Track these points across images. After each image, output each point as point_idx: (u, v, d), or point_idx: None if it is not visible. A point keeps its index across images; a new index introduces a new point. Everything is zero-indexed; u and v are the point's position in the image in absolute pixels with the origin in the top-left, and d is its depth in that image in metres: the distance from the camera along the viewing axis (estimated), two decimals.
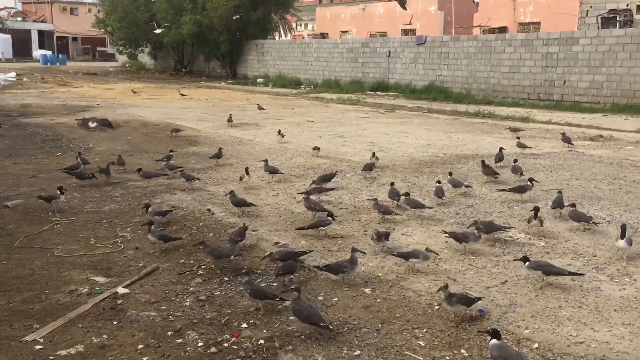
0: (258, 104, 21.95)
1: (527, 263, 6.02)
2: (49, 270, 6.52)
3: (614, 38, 22.34)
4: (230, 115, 17.65)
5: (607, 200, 9.22)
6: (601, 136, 16.01)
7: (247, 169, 10.30)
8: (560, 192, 8.71)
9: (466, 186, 9.78)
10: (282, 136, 14.74)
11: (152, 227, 7.21)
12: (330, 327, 4.99)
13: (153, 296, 5.83)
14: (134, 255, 6.97)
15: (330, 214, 7.64)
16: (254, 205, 8.66)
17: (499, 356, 4.31)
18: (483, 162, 11.07)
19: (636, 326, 5.11)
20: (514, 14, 36.47)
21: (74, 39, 76.74)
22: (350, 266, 6.06)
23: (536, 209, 7.62)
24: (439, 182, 9.39)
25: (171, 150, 12.25)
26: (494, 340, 4.43)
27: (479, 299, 5.39)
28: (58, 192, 8.68)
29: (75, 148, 13.80)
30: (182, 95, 27.99)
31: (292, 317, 5.24)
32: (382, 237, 6.98)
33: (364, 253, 6.56)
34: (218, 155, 12.27)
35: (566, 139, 14.19)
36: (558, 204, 8.40)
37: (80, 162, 11.11)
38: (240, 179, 10.26)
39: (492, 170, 10.72)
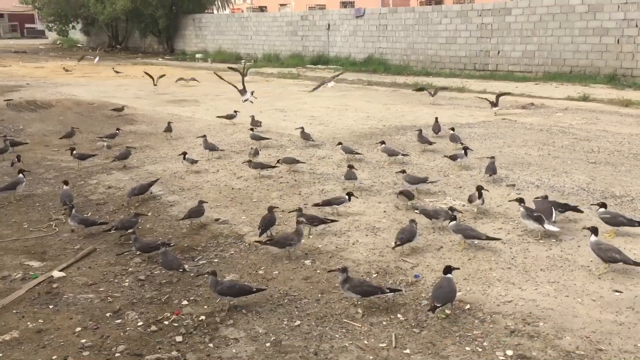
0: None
1: (450, 223, 6.26)
2: None
3: (544, 8, 22.97)
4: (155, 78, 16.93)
5: (536, 166, 9.60)
6: (532, 104, 16.58)
7: (184, 154, 9.72)
8: (492, 158, 9.01)
9: (403, 154, 10.00)
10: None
11: (73, 211, 6.95)
12: (187, 270, 5.69)
13: (90, 278, 5.75)
14: (70, 238, 6.83)
15: (349, 193, 7.50)
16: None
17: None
18: (420, 131, 11.31)
19: (560, 284, 5.41)
20: None
21: (0, 15, 72.93)
22: (297, 238, 6.14)
23: (479, 188, 7.38)
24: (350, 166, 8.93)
25: (117, 129, 12.03)
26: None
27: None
28: (21, 175, 8.28)
29: (3, 130, 13.25)
30: (117, 72, 27.19)
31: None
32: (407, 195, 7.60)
33: (308, 223, 6.64)
34: (168, 129, 12.40)
35: (494, 104, 14.88)
36: (492, 170, 8.71)
37: (7, 145, 10.69)
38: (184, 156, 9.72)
39: (426, 139, 11.00)
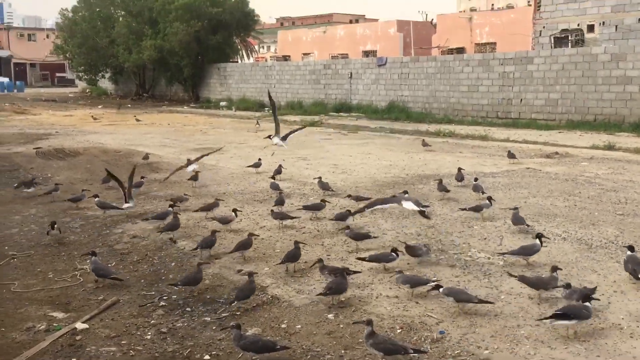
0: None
1: (440, 290, 6.09)
2: (5, 307, 6.37)
3: (566, 57, 23.10)
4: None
5: (562, 217, 9.46)
6: (557, 153, 16.47)
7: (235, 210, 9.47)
8: (516, 209, 8.92)
9: (423, 206, 9.90)
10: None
11: (94, 258, 7.06)
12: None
13: (113, 330, 5.74)
14: (94, 289, 6.86)
15: (394, 250, 7.24)
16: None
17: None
18: (440, 181, 11.40)
19: (591, 343, 5.25)
20: (471, 35, 37.41)
21: (32, 65, 75.56)
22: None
23: (539, 236, 7.36)
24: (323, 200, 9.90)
25: (142, 177, 12.20)
26: (369, 328, 4.98)
27: (404, 348, 4.95)
28: (50, 227, 8.42)
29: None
30: (138, 120, 27.79)
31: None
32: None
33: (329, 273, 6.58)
34: (194, 177, 12.55)
35: (511, 155, 15.03)
36: (517, 220, 8.65)
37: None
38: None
39: (444, 187, 11.13)
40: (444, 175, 13.39)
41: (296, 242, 7.39)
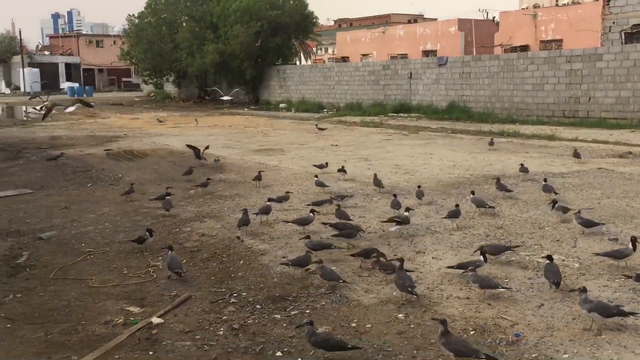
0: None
1: (469, 274, 6.15)
2: (84, 301, 6.61)
3: (638, 53, 22.13)
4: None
5: None
6: (630, 153, 15.79)
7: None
8: (545, 180, 10.06)
9: (489, 207, 9.71)
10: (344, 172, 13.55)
11: (171, 252, 7.34)
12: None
13: (187, 325, 5.87)
14: (167, 285, 7.03)
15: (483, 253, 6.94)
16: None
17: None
18: (497, 179, 11.28)
19: None
20: (535, 32, 36.38)
21: (100, 70, 78.61)
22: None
23: (633, 240, 6.98)
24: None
25: (208, 178, 12.51)
26: (443, 327, 4.90)
27: (476, 351, 4.82)
28: (147, 234, 8.44)
29: (104, 178, 14.05)
30: (196, 122, 28.38)
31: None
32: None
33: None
34: (258, 177, 12.81)
35: (576, 155, 14.65)
36: (547, 188, 10.16)
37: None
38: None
39: (504, 186, 10.94)
40: (510, 175, 13.08)
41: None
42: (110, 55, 71.96)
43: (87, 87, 60.74)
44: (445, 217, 9.09)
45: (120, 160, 16.92)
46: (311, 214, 9.06)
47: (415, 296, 6.23)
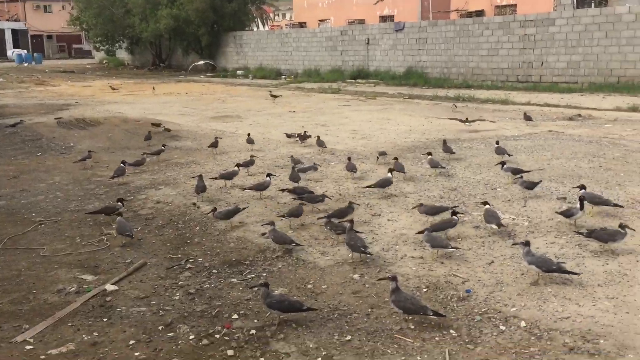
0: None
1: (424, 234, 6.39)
2: (35, 270, 6.49)
3: (589, 18, 22.54)
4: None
5: (587, 178, 9.34)
6: (580, 115, 16.20)
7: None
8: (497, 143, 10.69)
9: (441, 167, 9.89)
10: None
11: (119, 218, 7.31)
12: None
13: (142, 292, 5.83)
14: (121, 252, 6.95)
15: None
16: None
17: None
18: (444, 141, 11.56)
19: (619, 299, 5.22)
20: None
21: (49, 37, 75.59)
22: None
23: (582, 199, 7.16)
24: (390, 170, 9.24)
25: (163, 145, 12.29)
26: (394, 284, 5.04)
27: (423, 308, 4.93)
28: (119, 204, 8.20)
29: (55, 147, 13.68)
30: (154, 89, 27.80)
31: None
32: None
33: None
34: (214, 144, 12.61)
35: (527, 117, 15.07)
36: (499, 151, 10.55)
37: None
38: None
39: (449, 148, 11.22)
40: (464, 139, 13.29)
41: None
42: (60, 21, 69.02)
43: (35, 55, 58.51)
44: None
45: (72, 128, 16.45)
46: (267, 178, 9.05)
47: (369, 255, 6.32)
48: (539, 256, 5.73)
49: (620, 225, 6.31)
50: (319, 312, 5.23)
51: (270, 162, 11.49)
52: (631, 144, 12.01)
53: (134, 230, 7.38)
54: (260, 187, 8.99)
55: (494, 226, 6.94)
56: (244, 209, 7.94)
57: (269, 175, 9.14)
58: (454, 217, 6.95)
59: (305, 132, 13.57)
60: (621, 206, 7.61)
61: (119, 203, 8.13)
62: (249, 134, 13.53)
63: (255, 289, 5.55)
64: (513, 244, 6.46)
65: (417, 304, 4.98)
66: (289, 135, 13.79)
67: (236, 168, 9.93)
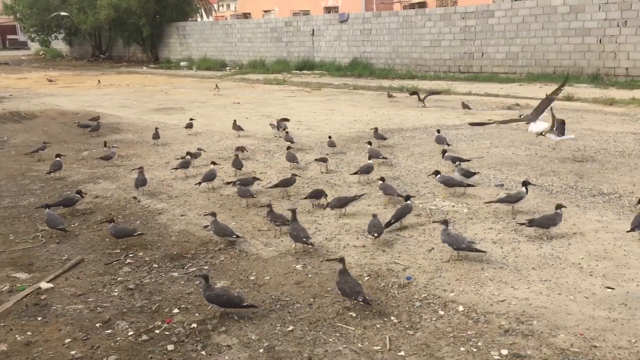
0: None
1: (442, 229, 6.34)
2: None
3: (526, 9, 23.19)
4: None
5: (524, 165, 9.64)
6: (518, 105, 16.68)
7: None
8: (438, 131, 11.15)
9: (382, 158, 10.00)
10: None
11: (48, 210, 7.16)
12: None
13: (79, 289, 5.66)
14: (57, 249, 6.73)
15: None
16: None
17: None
18: (375, 129, 11.92)
19: (552, 282, 5.41)
20: None
21: None
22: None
23: (525, 184, 7.42)
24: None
25: (113, 146, 11.73)
26: (341, 265, 5.16)
27: (359, 293, 4.96)
28: (78, 195, 7.96)
29: None
30: (99, 82, 26.91)
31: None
32: None
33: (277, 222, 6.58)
34: (156, 135, 12.44)
35: (465, 106, 15.74)
36: (439, 140, 10.80)
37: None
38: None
39: (381, 135, 11.65)
40: (408, 128, 13.48)
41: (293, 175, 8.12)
42: None
43: None
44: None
45: (6, 122, 15.82)
46: (212, 165, 9.05)
47: (311, 246, 6.34)
48: (452, 235, 6.05)
49: (557, 206, 6.54)
50: (262, 303, 5.20)
51: (215, 154, 11.34)
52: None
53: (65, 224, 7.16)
54: (209, 177, 8.94)
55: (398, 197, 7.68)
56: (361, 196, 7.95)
57: (213, 162, 9.17)
58: (408, 202, 7.07)
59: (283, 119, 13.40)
60: (473, 185, 8.26)
61: (78, 195, 7.90)
62: (191, 119, 13.74)
63: (197, 282, 5.49)
64: (433, 222, 6.93)
65: (352, 289, 5.03)
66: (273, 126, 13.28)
67: (188, 157, 9.90)
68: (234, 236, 6.63)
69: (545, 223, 6.50)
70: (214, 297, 4.98)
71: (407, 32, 27.19)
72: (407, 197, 7.20)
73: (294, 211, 6.65)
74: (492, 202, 7.54)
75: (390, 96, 18.76)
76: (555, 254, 6.03)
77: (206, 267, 6.08)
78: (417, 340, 4.56)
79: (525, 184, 7.40)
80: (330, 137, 11.49)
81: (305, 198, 7.98)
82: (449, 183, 8.22)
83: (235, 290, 5.38)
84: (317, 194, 7.85)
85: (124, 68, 37.95)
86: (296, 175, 8.58)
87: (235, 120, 13.50)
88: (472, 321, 4.79)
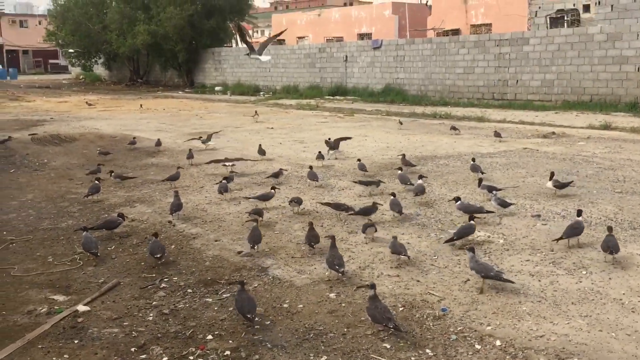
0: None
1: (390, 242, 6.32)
2: (5, 290, 6.34)
3: (562, 37, 23.02)
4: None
5: (561, 196, 9.46)
6: (554, 133, 16.46)
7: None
8: (473, 159, 11.20)
9: (410, 184, 9.90)
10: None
11: (85, 233, 7.26)
12: (254, 320, 5.27)
13: (115, 312, 5.73)
14: (94, 272, 6.83)
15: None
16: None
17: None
18: (403, 155, 12.02)
19: (593, 317, 5.27)
20: (466, 16, 37.17)
21: (25, 52, 74.94)
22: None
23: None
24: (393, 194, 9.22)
25: (99, 164, 12.17)
26: (372, 291, 5.18)
27: (389, 320, 4.97)
28: (120, 218, 8.10)
29: (29, 164, 13.47)
30: (89, 104, 26.99)
31: (257, 326, 5.27)
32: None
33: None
34: (190, 156, 12.92)
35: (497, 134, 15.56)
36: (474, 168, 10.79)
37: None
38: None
39: (408, 162, 11.70)
40: (441, 156, 13.41)
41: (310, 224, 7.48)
42: (36, 36, 68.46)
43: (10, 69, 57.90)
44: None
45: (46, 145, 16.25)
46: (272, 190, 9.39)
47: (342, 275, 6.30)
48: (481, 263, 6.05)
49: (609, 229, 6.76)
50: (295, 331, 5.18)
51: (248, 179, 11.43)
52: (604, 162, 12.22)
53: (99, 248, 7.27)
54: (265, 197, 9.20)
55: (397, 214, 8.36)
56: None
57: (273, 188, 9.46)
58: (472, 222, 7.28)
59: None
60: (492, 212, 8.28)
61: (120, 217, 8.04)
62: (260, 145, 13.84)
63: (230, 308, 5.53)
64: (459, 248, 7.02)
65: (383, 314, 5.02)
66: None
67: (224, 181, 10.06)
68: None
69: (461, 232, 7.20)
70: (235, 302, 5.43)
71: (440, 59, 27.20)
72: (471, 217, 7.36)
73: (333, 237, 6.65)
74: (560, 239, 7.09)
75: (400, 123, 18.55)
76: (595, 289, 5.87)
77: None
78: None
79: (580, 213, 7.39)
80: (359, 160, 11.81)
81: (354, 214, 8.31)
82: (468, 210, 8.16)
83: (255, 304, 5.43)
84: (368, 211, 8.17)
85: (160, 92, 38.76)
86: (378, 204, 8.46)
87: (260, 145, 13.73)
88: (510, 357, 4.68)
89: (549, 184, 9.20)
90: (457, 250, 7.15)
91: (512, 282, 5.94)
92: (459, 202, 8.32)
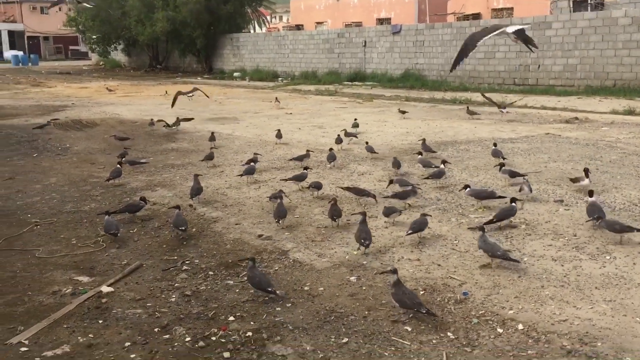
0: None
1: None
2: (30, 272, 6.44)
3: (585, 21, 22.61)
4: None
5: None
6: (576, 118, 16.24)
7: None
8: (495, 145, 11.07)
9: (435, 166, 9.85)
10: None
11: (107, 217, 7.34)
12: (277, 292, 5.49)
13: (138, 293, 5.80)
14: (117, 254, 6.92)
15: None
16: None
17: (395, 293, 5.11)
18: (423, 140, 11.96)
19: (617, 302, 5.22)
20: (487, 0, 36.69)
21: (45, 38, 75.55)
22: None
23: (586, 170, 8.56)
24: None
25: (125, 148, 12.27)
26: (395, 277, 5.16)
27: (419, 305, 4.96)
28: (142, 202, 8.19)
29: (51, 149, 13.63)
30: (166, 93, 27.39)
31: (278, 308, 5.30)
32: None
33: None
34: (212, 138, 13.09)
35: (470, 112, 16.81)
36: (495, 153, 10.65)
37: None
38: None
39: (428, 147, 11.53)
40: (461, 141, 13.30)
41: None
42: (56, 22, 68.89)
43: (32, 56, 58.46)
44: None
45: (68, 130, 16.42)
46: (305, 170, 9.61)
47: (364, 248, 6.50)
48: (489, 242, 6.09)
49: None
50: (316, 314, 5.20)
51: (267, 163, 11.46)
52: (628, 147, 12.03)
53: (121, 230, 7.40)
54: (300, 178, 9.38)
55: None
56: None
57: (306, 168, 9.72)
58: (513, 204, 7.29)
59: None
60: (504, 197, 8.12)
61: (142, 201, 8.14)
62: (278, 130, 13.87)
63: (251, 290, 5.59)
64: (468, 228, 7.13)
65: (413, 300, 5.03)
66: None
67: (252, 163, 10.21)
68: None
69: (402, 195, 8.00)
70: (249, 278, 5.58)
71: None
72: (513, 199, 7.36)
73: (364, 213, 6.81)
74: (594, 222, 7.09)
75: (471, 113, 17.50)
76: (619, 274, 5.81)
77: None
78: (474, 358, 4.46)
79: (591, 194, 7.43)
80: (367, 143, 12.00)
81: (390, 197, 8.32)
82: (480, 196, 8.17)
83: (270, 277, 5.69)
84: (405, 195, 8.21)
85: (179, 78, 38.90)
86: (418, 187, 8.69)
87: (279, 130, 13.78)
88: (533, 340, 4.66)
89: (586, 181, 8.60)
90: (477, 234, 7.10)
91: (518, 262, 6.04)
92: (468, 189, 8.26)
